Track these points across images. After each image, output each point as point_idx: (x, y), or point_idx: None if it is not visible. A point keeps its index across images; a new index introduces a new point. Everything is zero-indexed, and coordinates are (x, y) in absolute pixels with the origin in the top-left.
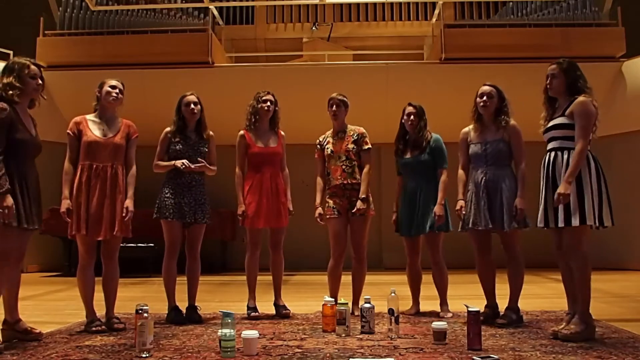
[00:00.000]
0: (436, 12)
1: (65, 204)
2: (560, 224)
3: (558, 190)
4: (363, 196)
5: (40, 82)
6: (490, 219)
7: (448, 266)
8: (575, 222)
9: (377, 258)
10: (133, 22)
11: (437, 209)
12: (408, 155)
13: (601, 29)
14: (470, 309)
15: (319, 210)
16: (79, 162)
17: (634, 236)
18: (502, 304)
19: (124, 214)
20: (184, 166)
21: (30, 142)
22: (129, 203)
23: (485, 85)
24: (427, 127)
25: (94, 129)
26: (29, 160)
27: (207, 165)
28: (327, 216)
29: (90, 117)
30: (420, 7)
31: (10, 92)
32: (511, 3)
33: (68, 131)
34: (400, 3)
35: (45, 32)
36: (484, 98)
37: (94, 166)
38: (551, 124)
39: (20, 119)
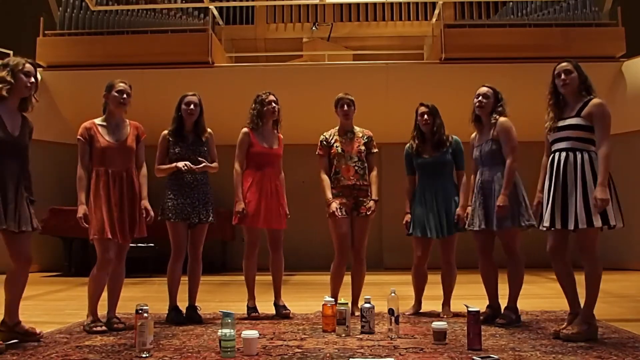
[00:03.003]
0: (436, 12)
1: (82, 209)
2: (582, 225)
3: (599, 196)
4: (377, 198)
5: (33, 80)
6: (484, 220)
7: None
8: (598, 223)
9: (378, 258)
10: (133, 22)
11: (460, 211)
12: (427, 155)
13: (601, 29)
14: (470, 309)
15: (335, 204)
16: (92, 168)
17: (634, 236)
18: (504, 304)
19: (144, 216)
20: (185, 167)
21: (6, 140)
22: (146, 204)
23: (482, 86)
24: (444, 126)
25: (105, 134)
26: (5, 159)
27: (209, 165)
28: (338, 215)
29: (99, 121)
30: (420, 7)
31: (0, 85)
32: (511, 3)
33: (79, 137)
34: (400, 3)
35: (45, 32)
36: (480, 98)
37: (110, 171)
38: (564, 123)
39: None
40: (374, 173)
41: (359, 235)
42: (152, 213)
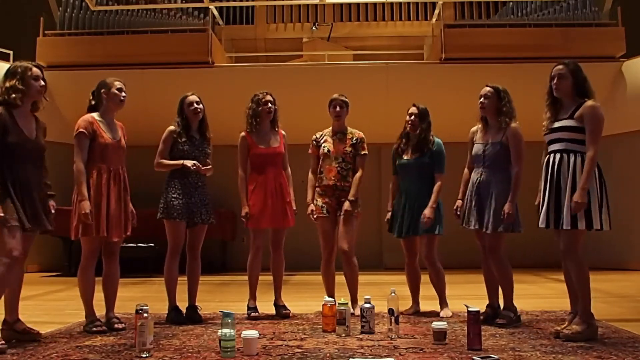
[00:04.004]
0: (436, 12)
1: (87, 205)
2: (566, 226)
3: (575, 199)
4: (352, 198)
5: (43, 83)
6: (477, 220)
7: (449, 266)
8: (582, 225)
9: (377, 258)
10: (133, 22)
11: (426, 211)
12: (407, 157)
13: (601, 29)
14: (470, 309)
15: (312, 207)
16: (91, 164)
17: (634, 236)
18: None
19: (132, 219)
20: (195, 167)
21: (25, 145)
22: (131, 207)
23: (485, 86)
24: (431, 130)
25: (106, 131)
26: (26, 164)
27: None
28: (316, 215)
29: (98, 117)
30: (420, 7)
31: (14, 95)
32: (511, 3)
33: (83, 130)
34: (400, 3)
35: (45, 32)
36: (481, 99)
37: (111, 169)
38: (557, 125)
39: (15, 123)
40: (358, 175)
41: (343, 234)
42: (135, 217)
